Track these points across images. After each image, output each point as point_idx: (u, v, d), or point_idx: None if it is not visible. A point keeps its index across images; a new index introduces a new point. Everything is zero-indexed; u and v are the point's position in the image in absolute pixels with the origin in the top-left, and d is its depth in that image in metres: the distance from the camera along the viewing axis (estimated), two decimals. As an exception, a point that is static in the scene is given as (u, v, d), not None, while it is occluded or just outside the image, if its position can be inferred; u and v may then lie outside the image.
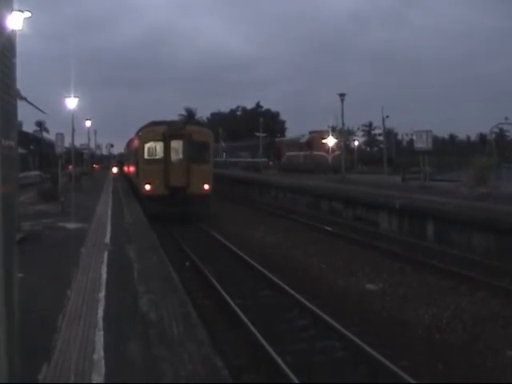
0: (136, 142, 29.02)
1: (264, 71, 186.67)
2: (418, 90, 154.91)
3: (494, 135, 59.65)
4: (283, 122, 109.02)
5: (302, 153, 51.75)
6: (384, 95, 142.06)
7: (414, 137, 28.09)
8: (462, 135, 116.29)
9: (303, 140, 52.88)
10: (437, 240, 18.39)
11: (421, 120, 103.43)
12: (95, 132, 77.73)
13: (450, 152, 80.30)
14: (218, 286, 12.57)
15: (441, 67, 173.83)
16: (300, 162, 51.69)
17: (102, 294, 8.35)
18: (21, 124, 50.39)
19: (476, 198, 20.97)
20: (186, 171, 24.62)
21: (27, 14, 16.56)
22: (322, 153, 47.85)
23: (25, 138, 50.86)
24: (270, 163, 61.06)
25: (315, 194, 30.02)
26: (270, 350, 8.44)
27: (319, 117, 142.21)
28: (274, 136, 77.56)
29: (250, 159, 65.44)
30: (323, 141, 48.00)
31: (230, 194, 41.14)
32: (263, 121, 70.16)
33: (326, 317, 10.15)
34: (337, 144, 47.41)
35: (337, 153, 46.61)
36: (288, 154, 55.86)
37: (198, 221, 24.24)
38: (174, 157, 25.27)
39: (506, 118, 56.97)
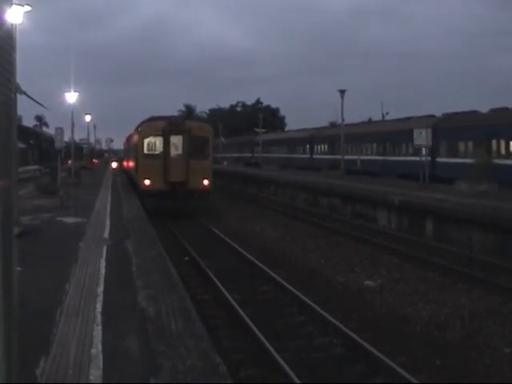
0: (135, 137, 28.98)
1: (264, 67, 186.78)
2: (417, 87, 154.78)
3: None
4: (283, 118, 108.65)
5: None
6: (384, 91, 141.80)
7: (414, 133, 27.94)
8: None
9: None
10: (436, 237, 18.38)
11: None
12: (95, 127, 77.85)
13: None
14: (217, 281, 12.57)
15: (440, 62, 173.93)
16: None
17: (100, 289, 8.36)
18: (20, 118, 50.38)
19: (476, 196, 20.94)
20: (186, 166, 24.58)
21: (27, 8, 16.53)
22: None
23: (24, 133, 50.82)
24: None
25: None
26: (269, 345, 8.44)
27: (319, 112, 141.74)
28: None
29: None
30: None
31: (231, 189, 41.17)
32: (263, 116, 69.87)
33: (324, 313, 10.15)
34: None
35: None
36: None
37: (197, 216, 24.21)
38: (173, 152, 25.21)
39: None
